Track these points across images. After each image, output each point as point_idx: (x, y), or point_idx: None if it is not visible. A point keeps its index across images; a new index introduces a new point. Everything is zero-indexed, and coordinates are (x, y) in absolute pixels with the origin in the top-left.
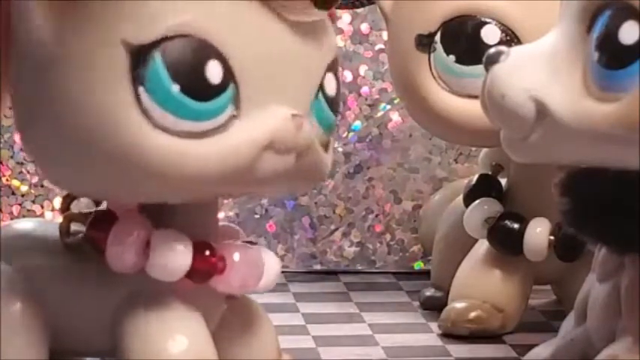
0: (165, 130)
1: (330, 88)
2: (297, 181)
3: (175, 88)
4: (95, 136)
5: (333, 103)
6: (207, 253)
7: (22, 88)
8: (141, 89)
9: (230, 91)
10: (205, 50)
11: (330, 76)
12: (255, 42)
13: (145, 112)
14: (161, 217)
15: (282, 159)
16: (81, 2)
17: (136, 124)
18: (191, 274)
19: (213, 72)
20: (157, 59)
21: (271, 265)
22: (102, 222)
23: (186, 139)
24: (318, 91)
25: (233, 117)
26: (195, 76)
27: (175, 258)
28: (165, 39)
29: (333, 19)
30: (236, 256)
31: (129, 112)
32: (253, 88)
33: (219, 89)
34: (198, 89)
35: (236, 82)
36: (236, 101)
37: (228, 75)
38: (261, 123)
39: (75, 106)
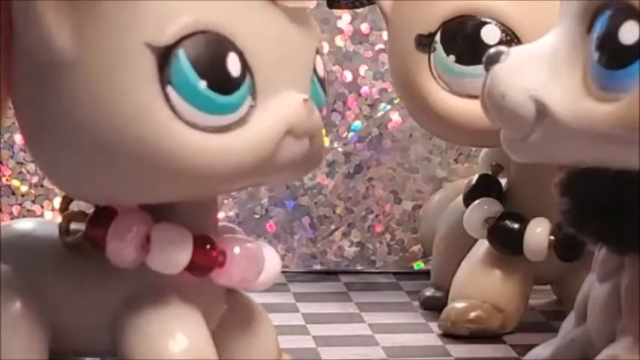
0: (194, 126)
1: (320, 69)
2: (307, 165)
3: (202, 84)
4: (126, 140)
5: (323, 83)
6: (208, 246)
7: (31, 97)
8: (169, 88)
9: (247, 82)
10: (224, 44)
11: (318, 58)
12: (263, 31)
13: (174, 110)
14: (161, 212)
15: (299, 143)
16: (94, 9)
17: (167, 122)
18: (191, 267)
19: (233, 65)
20: (182, 57)
21: (272, 260)
22: (101, 218)
23: (213, 134)
24: (313, 72)
25: (251, 107)
26: (219, 71)
27: (176, 251)
28: (186, 37)
29: None
30: (236, 250)
31: (159, 111)
32: (266, 77)
33: (240, 81)
34: (223, 83)
35: (252, 72)
36: (253, 92)
37: (245, 67)
38: (279, 110)
39: (101, 110)
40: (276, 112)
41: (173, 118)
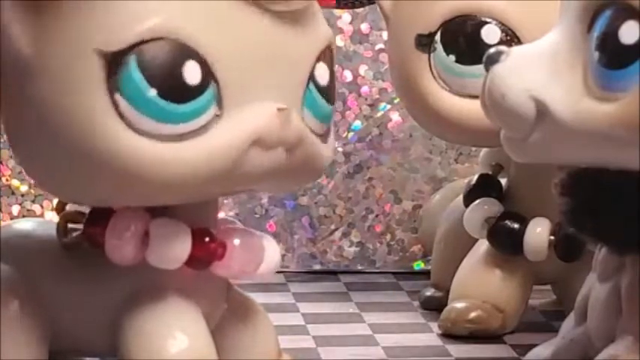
0: (144, 134)
1: (322, 77)
2: (293, 176)
3: (152, 92)
4: (75, 144)
5: (326, 93)
6: (207, 239)
7: (8, 98)
8: (117, 95)
9: (211, 90)
10: (181, 52)
11: (321, 65)
12: (234, 39)
13: (122, 117)
14: (159, 207)
15: (270, 155)
16: (52, 13)
17: (114, 130)
18: (191, 261)
19: (192, 73)
20: (132, 65)
21: (271, 252)
22: (99, 217)
23: (168, 143)
24: (309, 81)
25: (216, 117)
26: (173, 79)
27: (175, 245)
28: (138, 44)
29: (324, 4)
30: (236, 241)
31: (107, 118)
32: (235, 86)
33: (199, 90)
34: (177, 92)
35: (217, 81)
36: (219, 101)
37: (208, 75)
38: (245, 121)
39: (54, 115)
40: (242, 121)
41: (122, 126)
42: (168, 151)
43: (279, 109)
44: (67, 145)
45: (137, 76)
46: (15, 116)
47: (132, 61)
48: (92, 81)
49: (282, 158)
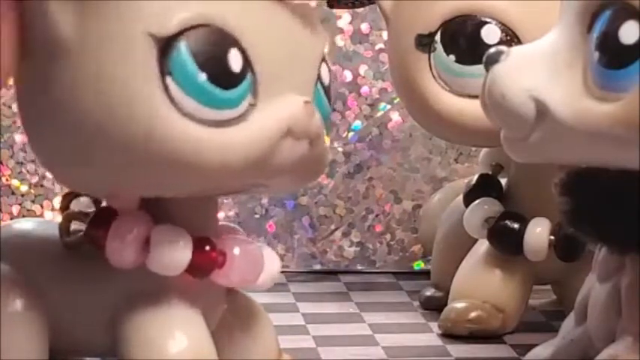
0: (191, 118)
1: (326, 77)
2: (308, 170)
3: (202, 76)
4: (124, 128)
5: (328, 92)
6: (207, 247)
7: (36, 88)
8: (169, 79)
9: (248, 79)
10: (226, 39)
11: (324, 66)
12: (269, 32)
13: (172, 101)
14: (161, 213)
15: (298, 146)
16: None
17: (164, 112)
18: (191, 269)
19: (235, 60)
20: (183, 49)
21: (271, 261)
22: (102, 219)
23: (212, 128)
24: (317, 79)
25: (251, 106)
26: (220, 65)
27: (175, 253)
28: (188, 29)
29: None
30: (236, 251)
31: (157, 101)
32: (269, 77)
33: (240, 77)
34: (223, 77)
35: (253, 70)
36: (254, 90)
37: (247, 64)
38: (279, 111)
39: (100, 97)
40: (275, 111)
41: (171, 109)
42: (212, 136)
43: (305, 102)
44: (114, 128)
45: (188, 60)
46: (44, 104)
47: (183, 46)
48: (144, 65)
49: (306, 151)
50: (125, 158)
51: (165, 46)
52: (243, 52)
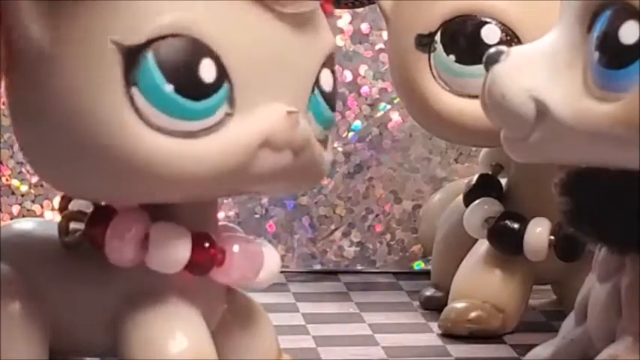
0: (159, 130)
1: (327, 83)
2: (296, 180)
3: (169, 87)
4: (89, 137)
5: (330, 99)
6: (207, 244)
7: (17, 89)
8: (134, 90)
9: (224, 89)
10: (198, 49)
11: (326, 72)
12: (248, 39)
13: (138, 113)
14: (160, 211)
15: (278, 156)
16: (71, 7)
17: (129, 124)
18: (191, 266)
19: (207, 71)
20: (150, 59)
21: (271, 259)
22: (100, 218)
23: (181, 139)
24: (314, 86)
25: (227, 115)
26: (189, 76)
27: (174, 250)
28: (156, 39)
29: (328, 13)
30: (235, 248)
31: (122, 112)
32: (248, 86)
33: (213, 88)
34: (192, 88)
35: (230, 80)
36: (230, 100)
37: (222, 73)
38: (256, 121)
39: (68, 107)
40: (253, 121)
41: (137, 121)
42: (182, 148)
43: (288, 112)
44: (83, 138)
45: (154, 70)
46: (26, 111)
47: (149, 56)
48: (109, 75)
49: (289, 161)
50: (98, 169)
51: (132, 56)
52: (217, 61)
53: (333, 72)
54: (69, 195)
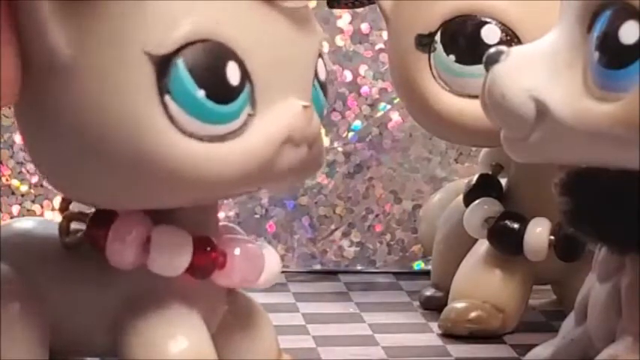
0: (191, 135)
1: (322, 73)
2: (306, 171)
3: (200, 93)
4: (122, 145)
5: (324, 87)
6: (208, 248)
7: (32, 98)
8: (167, 97)
9: (246, 91)
10: (223, 53)
11: (320, 62)
12: (264, 39)
13: (172, 120)
14: (161, 214)
15: (298, 151)
16: (95, 14)
17: (164, 132)
18: (192, 269)
19: (233, 74)
20: (180, 66)
21: (272, 261)
22: (102, 220)
23: (210, 143)
24: (314, 78)
25: (250, 116)
26: (218, 80)
27: (175, 254)
28: (185, 46)
29: None
30: (237, 251)
31: (156, 120)
32: (266, 85)
33: (239, 90)
34: (221, 92)
35: (251, 81)
36: (252, 100)
37: (245, 75)
38: (277, 118)
39: (98, 117)
40: (274, 120)
41: (171, 127)
42: (213, 152)
43: (304, 107)
44: (113, 147)
45: (186, 77)
46: (43, 119)
47: (180, 63)
48: (142, 84)
49: (305, 154)
50: (127, 178)
51: (163, 64)
52: (240, 64)
53: (324, 61)
54: (86, 204)
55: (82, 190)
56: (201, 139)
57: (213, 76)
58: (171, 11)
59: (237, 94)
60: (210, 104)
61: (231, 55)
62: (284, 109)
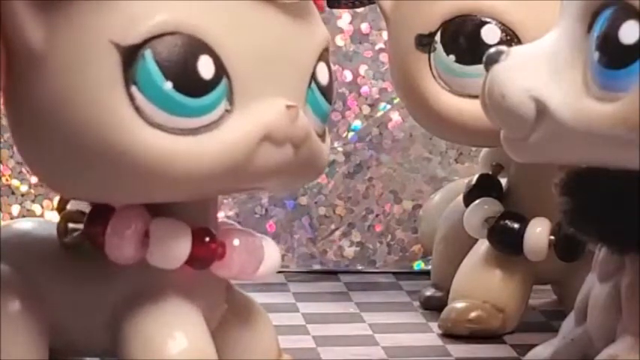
0: (159, 127)
1: (323, 77)
2: (297, 174)
3: (168, 85)
4: (89, 136)
5: (326, 92)
6: (207, 239)
7: (14, 91)
8: (133, 88)
9: (223, 85)
10: (195, 46)
11: (321, 65)
12: (246, 34)
13: (138, 111)
14: (159, 207)
15: (279, 151)
16: (66, 8)
17: (130, 122)
18: (191, 260)
19: (205, 67)
20: (148, 58)
21: (271, 253)
22: (99, 216)
23: (181, 136)
24: (311, 80)
25: (227, 112)
26: (187, 73)
27: (175, 245)
28: (154, 37)
29: (319, 9)
30: (236, 242)
31: (123, 111)
32: (246, 82)
33: (212, 84)
34: (191, 85)
35: (229, 76)
36: (229, 96)
37: (221, 70)
38: (255, 116)
39: (67, 108)
40: (252, 117)
41: (137, 119)
42: (183, 145)
43: (287, 106)
44: (81, 139)
45: (153, 68)
46: (23, 113)
47: (148, 55)
48: (109, 74)
49: (290, 155)
50: (97, 169)
51: (131, 55)
52: (215, 57)
53: (328, 66)
54: (68, 197)
55: (72, 186)
56: (171, 131)
57: (183, 69)
58: (140, 3)
59: (210, 87)
60: (178, 97)
61: (204, 48)
62: (264, 106)
